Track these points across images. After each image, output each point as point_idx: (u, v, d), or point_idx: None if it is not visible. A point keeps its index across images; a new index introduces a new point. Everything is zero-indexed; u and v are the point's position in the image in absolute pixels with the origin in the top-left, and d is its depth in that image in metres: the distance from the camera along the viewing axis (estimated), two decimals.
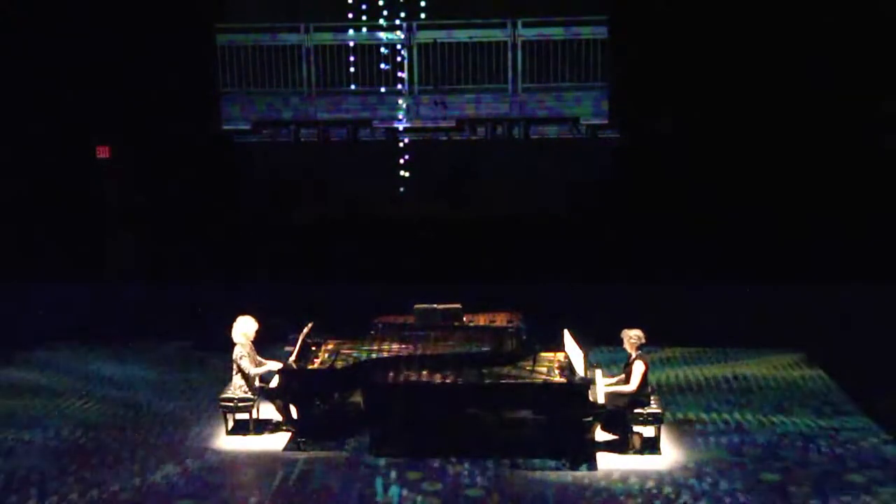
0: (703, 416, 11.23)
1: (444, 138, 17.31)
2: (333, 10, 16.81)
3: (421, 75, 17.03)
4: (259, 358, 10.85)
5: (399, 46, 16.88)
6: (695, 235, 15.82)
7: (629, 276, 15.79)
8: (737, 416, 11.22)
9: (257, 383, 10.73)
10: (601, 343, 12.52)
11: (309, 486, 9.53)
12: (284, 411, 10.55)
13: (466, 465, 9.85)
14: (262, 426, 10.79)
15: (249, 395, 10.60)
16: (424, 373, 10.21)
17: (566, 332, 10.45)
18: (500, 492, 9.34)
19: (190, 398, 12.04)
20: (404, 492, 9.35)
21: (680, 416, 11.19)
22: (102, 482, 9.63)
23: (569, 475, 9.63)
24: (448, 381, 10.06)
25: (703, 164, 16.00)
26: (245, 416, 10.65)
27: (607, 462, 9.89)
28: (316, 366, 10.57)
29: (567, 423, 9.86)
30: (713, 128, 15.98)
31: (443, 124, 17.16)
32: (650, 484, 9.45)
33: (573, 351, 10.18)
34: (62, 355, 13.87)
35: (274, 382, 10.57)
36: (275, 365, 10.74)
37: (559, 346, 10.62)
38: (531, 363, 10.46)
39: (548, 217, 16.81)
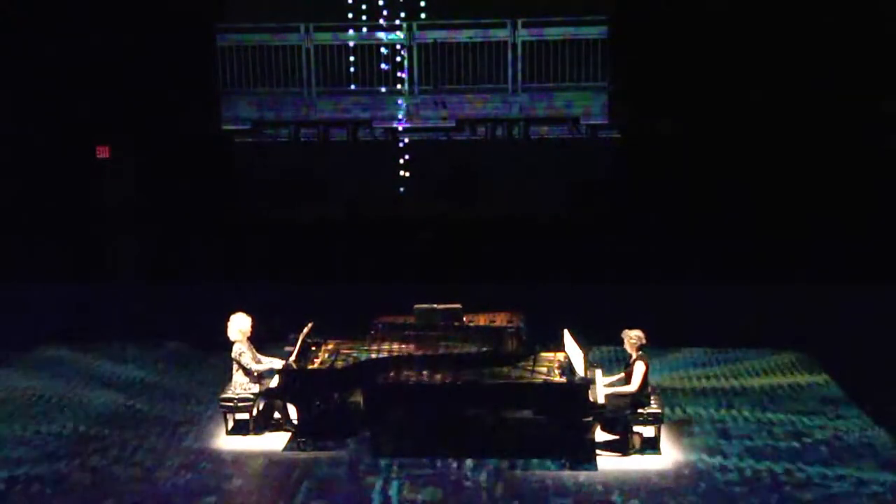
0: (703, 415, 11.23)
1: (444, 138, 17.33)
2: (334, 10, 16.86)
3: (421, 75, 17.04)
4: (258, 355, 10.85)
5: (399, 46, 16.89)
6: (695, 235, 15.83)
7: (629, 277, 15.80)
8: (736, 415, 11.22)
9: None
10: (601, 343, 12.51)
11: (309, 486, 9.53)
12: (284, 411, 10.56)
13: (466, 466, 9.85)
14: (263, 425, 10.77)
15: (251, 393, 10.59)
16: (425, 373, 10.20)
17: (566, 332, 10.45)
18: (500, 492, 9.34)
19: (189, 398, 12.04)
20: (404, 492, 9.35)
21: (680, 415, 11.20)
22: (102, 482, 9.63)
23: (569, 475, 9.63)
24: (448, 381, 10.06)
25: (703, 164, 16.02)
26: (245, 415, 10.64)
27: (607, 462, 9.89)
28: (316, 366, 10.56)
29: (567, 423, 9.86)
30: (713, 128, 16.00)
31: (443, 124, 17.17)
32: (650, 484, 9.45)
33: (573, 351, 10.18)
34: (62, 355, 13.86)
35: (274, 382, 10.57)
36: (275, 362, 10.74)
37: (559, 346, 10.61)
38: (531, 363, 10.44)
39: (548, 217, 16.82)
